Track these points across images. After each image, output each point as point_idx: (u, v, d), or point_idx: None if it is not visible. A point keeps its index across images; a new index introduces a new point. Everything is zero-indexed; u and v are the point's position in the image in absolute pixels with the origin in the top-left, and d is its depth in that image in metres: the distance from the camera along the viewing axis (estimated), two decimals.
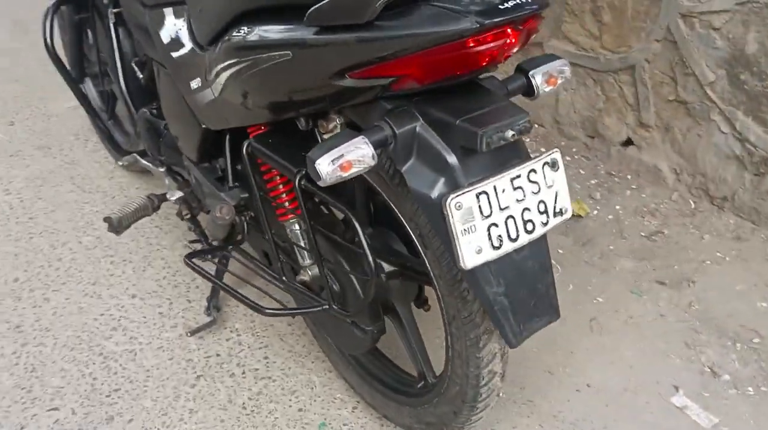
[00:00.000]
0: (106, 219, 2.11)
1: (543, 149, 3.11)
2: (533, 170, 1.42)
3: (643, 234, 2.72)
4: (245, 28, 1.48)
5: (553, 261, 1.52)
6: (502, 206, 1.38)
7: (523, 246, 1.43)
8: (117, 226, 2.10)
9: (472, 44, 1.27)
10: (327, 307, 1.72)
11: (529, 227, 1.42)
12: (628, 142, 3.01)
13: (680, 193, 2.87)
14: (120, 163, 2.78)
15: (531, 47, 3.09)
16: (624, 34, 2.83)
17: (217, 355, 2.21)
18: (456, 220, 1.33)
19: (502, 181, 1.38)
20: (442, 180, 1.37)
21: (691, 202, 2.84)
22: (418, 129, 1.37)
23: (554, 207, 1.46)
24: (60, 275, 2.52)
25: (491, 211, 1.37)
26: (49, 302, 2.40)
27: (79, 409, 2.03)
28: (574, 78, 3.10)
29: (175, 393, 2.09)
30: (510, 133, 1.33)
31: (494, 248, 1.38)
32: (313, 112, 1.56)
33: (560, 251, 2.65)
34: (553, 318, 1.52)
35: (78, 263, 2.57)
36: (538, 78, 1.51)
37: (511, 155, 1.42)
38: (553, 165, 1.45)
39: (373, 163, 1.33)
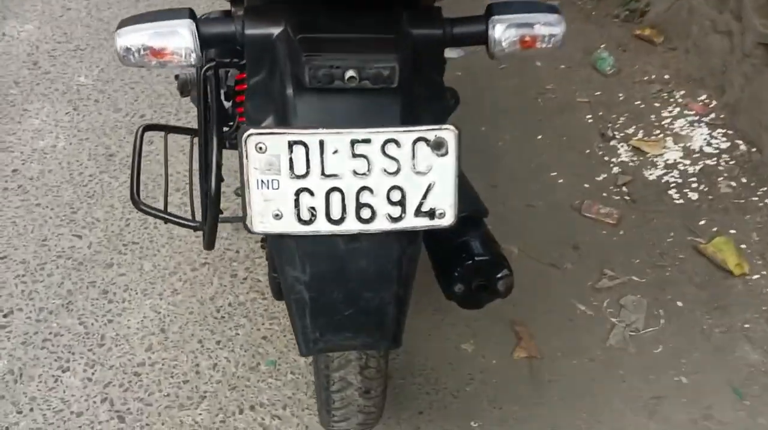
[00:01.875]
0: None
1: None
2: (394, 141, 1.02)
3: None
4: None
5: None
6: (327, 172, 1.02)
7: (358, 238, 1.06)
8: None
9: None
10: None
11: (365, 213, 1.04)
12: None
13: None
14: None
15: None
16: None
17: (236, 252, 2.12)
18: (252, 165, 1.02)
19: (337, 138, 1.01)
20: (270, 110, 1.06)
21: None
22: (274, 37, 1.06)
23: (420, 203, 1.05)
24: None
25: (307, 172, 1.02)
26: None
27: (96, 245, 2.12)
28: None
29: (174, 269, 2.06)
30: (350, 74, 0.97)
31: (301, 220, 1.04)
32: None
33: (679, 303, 2.01)
34: (380, 343, 1.13)
35: None
36: (498, 30, 1.08)
37: (376, 111, 1.04)
38: (438, 146, 1.03)
39: (193, 61, 1.07)
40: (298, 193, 1.03)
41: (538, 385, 1.82)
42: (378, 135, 1.02)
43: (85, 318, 1.92)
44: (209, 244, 1.26)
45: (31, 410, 1.70)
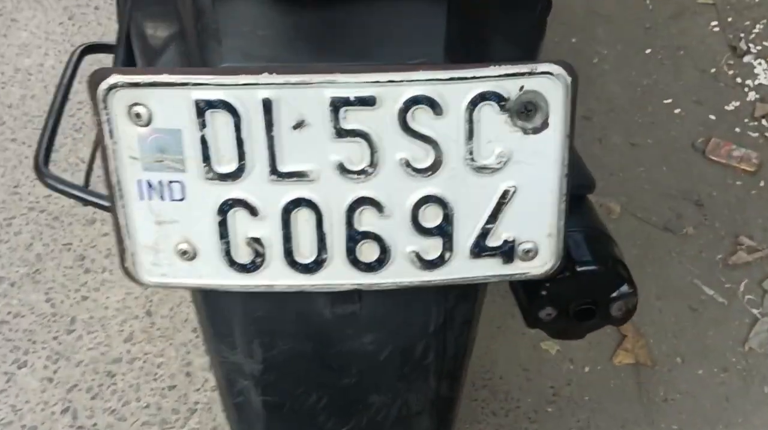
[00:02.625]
0: None
1: None
2: (429, 101, 0.50)
3: None
4: None
5: None
6: (284, 168, 0.52)
7: (356, 296, 0.57)
8: None
9: None
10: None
11: (369, 252, 0.54)
12: None
13: None
14: None
15: None
16: None
17: None
18: (126, 151, 0.52)
19: (301, 94, 0.50)
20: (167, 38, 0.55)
21: None
22: None
23: (483, 231, 0.54)
24: None
25: (241, 168, 0.51)
26: None
27: None
28: None
29: None
30: None
31: (236, 265, 0.54)
32: None
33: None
34: None
35: None
36: None
37: (390, 29, 0.52)
38: (527, 112, 0.53)
39: None
40: (224, 210, 0.53)
41: (649, 406, 1.33)
42: (392, 88, 0.49)
43: (54, 293, 1.50)
44: None
45: None
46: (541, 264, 0.56)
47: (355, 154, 0.51)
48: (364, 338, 0.58)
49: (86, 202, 0.94)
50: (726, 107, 1.85)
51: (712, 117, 1.83)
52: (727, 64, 1.96)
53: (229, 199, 0.52)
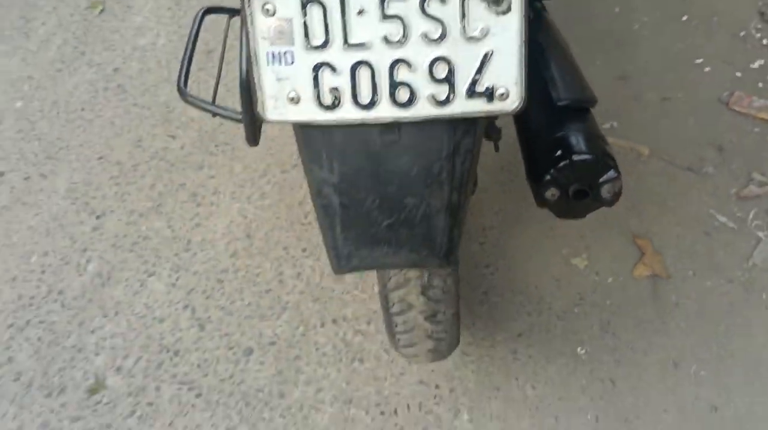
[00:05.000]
0: None
1: None
2: None
3: None
4: None
5: None
6: (351, 41, 0.82)
7: (396, 128, 0.86)
8: None
9: None
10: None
11: (403, 95, 0.83)
12: None
13: None
14: None
15: None
16: None
17: None
18: (260, 33, 0.82)
19: None
20: None
21: None
22: None
23: (474, 80, 0.82)
24: None
25: (326, 41, 0.82)
26: None
27: (189, 146, 2.04)
28: None
29: (264, 171, 1.94)
30: None
31: (323, 105, 0.84)
32: None
33: None
34: (428, 261, 0.93)
35: None
36: None
37: None
38: (497, 0, 0.79)
39: None
40: (316, 69, 0.83)
41: (662, 309, 1.57)
42: None
43: (173, 221, 1.86)
44: (250, 138, 1.09)
45: (116, 314, 1.67)
46: (511, 103, 0.83)
47: (394, 31, 0.81)
48: (402, 159, 0.87)
49: (215, 114, 1.28)
50: (751, 65, 2.04)
51: (738, 74, 2.02)
52: (755, 28, 2.14)
53: (319, 62, 0.82)
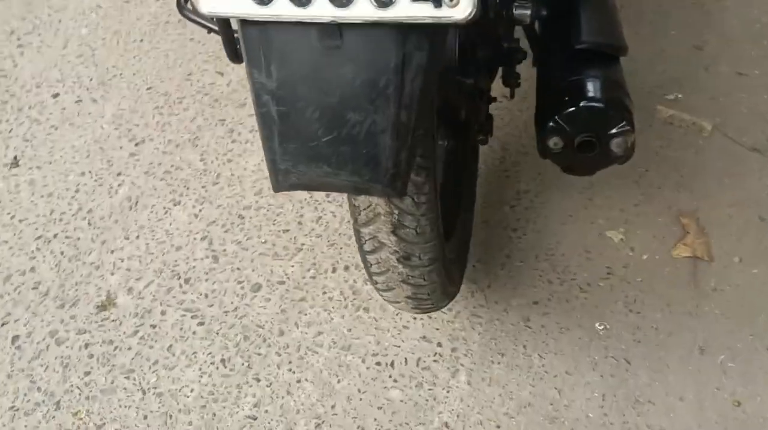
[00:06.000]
0: None
1: None
2: None
3: None
4: None
5: None
6: None
7: (338, 33, 0.79)
8: None
9: None
10: None
11: None
12: None
13: None
14: None
15: None
16: None
17: None
18: None
19: None
20: None
21: None
22: None
23: None
24: None
25: None
26: None
27: (235, 84, 2.02)
28: None
29: None
30: None
31: (258, 1, 0.78)
32: None
33: None
34: (371, 186, 0.85)
35: None
36: None
37: None
38: None
39: None
40: None
41: (698, 293, 1.44)
42: None
43: (206, 155, 1.84)
44: (231, 54, 1.04)
45: (137, 237, 1.67)
46: (462, 10, 0.74)
47: None
48: (344, 68, 0.79)
49: (210, 30, 1.25)
50: None
51: None
52: None
53: None
